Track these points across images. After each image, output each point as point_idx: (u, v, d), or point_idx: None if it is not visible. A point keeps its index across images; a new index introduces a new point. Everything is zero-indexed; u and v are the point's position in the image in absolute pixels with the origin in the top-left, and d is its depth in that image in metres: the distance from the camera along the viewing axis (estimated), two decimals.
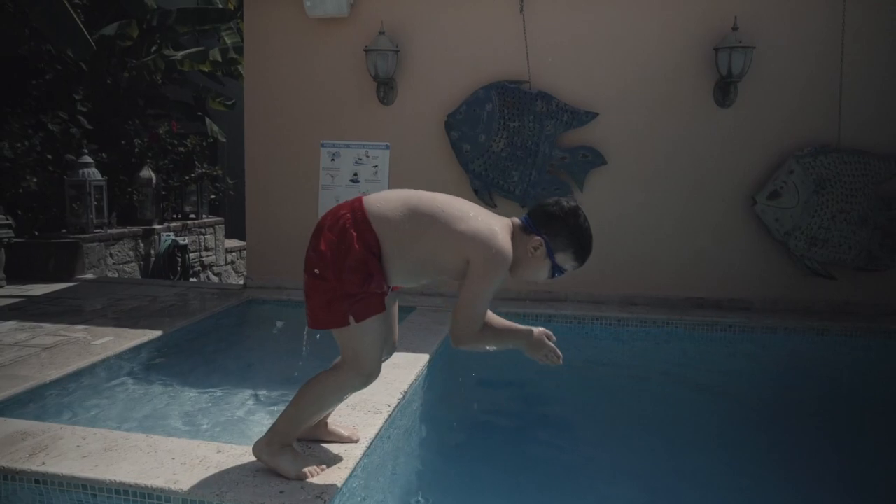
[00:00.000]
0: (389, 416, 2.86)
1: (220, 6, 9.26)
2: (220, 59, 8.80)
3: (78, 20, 6.01)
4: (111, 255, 6.40)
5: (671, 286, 5.13)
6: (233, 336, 4.52)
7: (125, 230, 6.71)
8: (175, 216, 8.06)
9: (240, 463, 2.31)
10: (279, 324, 4.57)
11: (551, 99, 4.97)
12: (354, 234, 2.01)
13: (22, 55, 6.72)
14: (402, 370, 3.33)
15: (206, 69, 8.98)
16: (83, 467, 2.26)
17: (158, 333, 4.11)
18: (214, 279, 8.16)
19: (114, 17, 8.29)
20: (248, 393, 3.42)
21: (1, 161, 5.92)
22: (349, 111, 5.42)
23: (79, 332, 4.11)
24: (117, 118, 7.43)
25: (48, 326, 4.19)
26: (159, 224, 7.29)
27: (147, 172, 7.20)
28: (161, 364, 3.79)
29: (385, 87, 5.27)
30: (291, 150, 5.55)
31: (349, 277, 1.99)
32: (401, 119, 5.35)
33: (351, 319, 2.03)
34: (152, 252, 6.99)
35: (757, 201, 4.86)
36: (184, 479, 2.18)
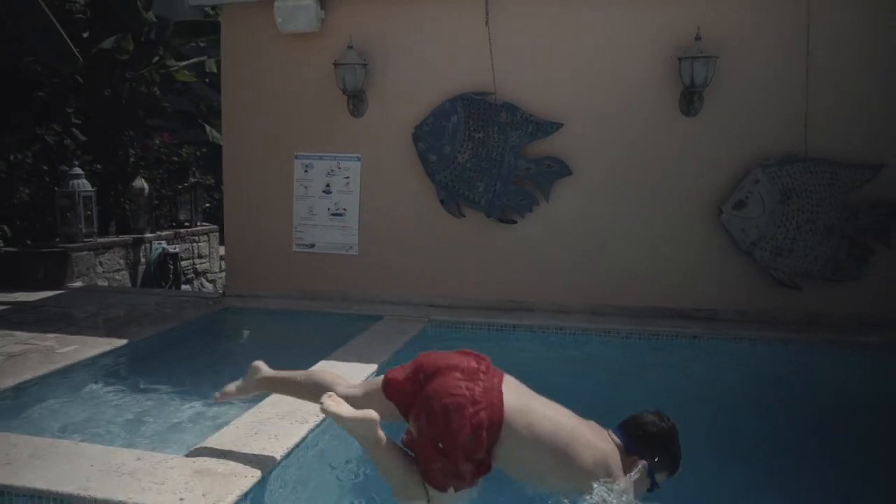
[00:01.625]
0: (317, 426, 2.93)
1: (217, 19, 9.49)
2: (216, 69, 9.01)
3: (63, 34, 6.23)
4: (101, 263, 6.61)
5: (638, 296, 5.12)
6: (197, 345, 4.64)
7: (115, 239, 6.93)
8: (171, 224, 8.27)
9: (154, 470, 2.41)
10: (245, 332, 4.69)
11: (516, 110, 5.02)
12: (485, 437, 2.14)
13: (18, 69, 6.98)
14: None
15: (193, 80, 9.19)
16: (4, 473, 2.38)
17: (124, 342, 4.26)
18: (208, 286, 8.35)
19: (114, 31, 8.56)
20: (196, 401, 3.53)
21: None
22: (322, 123, 5.53)
23: (49, 340, 4.27)
24: (114, 129, 7.66)
25: (20, 335, 4.36)
26: (151, 233, 7.49)
27: (140, 182, 7.41)
28: (119, 372, 3.92)
29: (355, 100, 5.37)
30: (267, 161, 5.68)
31: (466, 467, 2.17)
32: (371, 131, 5.44)
33: (451, 489, 2.22)
34: (143, 260, 7.19)
35: (723, 211, 4.84)
36: (95, 486, 2.28)
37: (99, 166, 7.24)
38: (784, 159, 4.75)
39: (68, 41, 6.24)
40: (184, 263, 7.75)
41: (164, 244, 7.37)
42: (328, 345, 4.09)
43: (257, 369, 2.73)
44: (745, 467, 3.12)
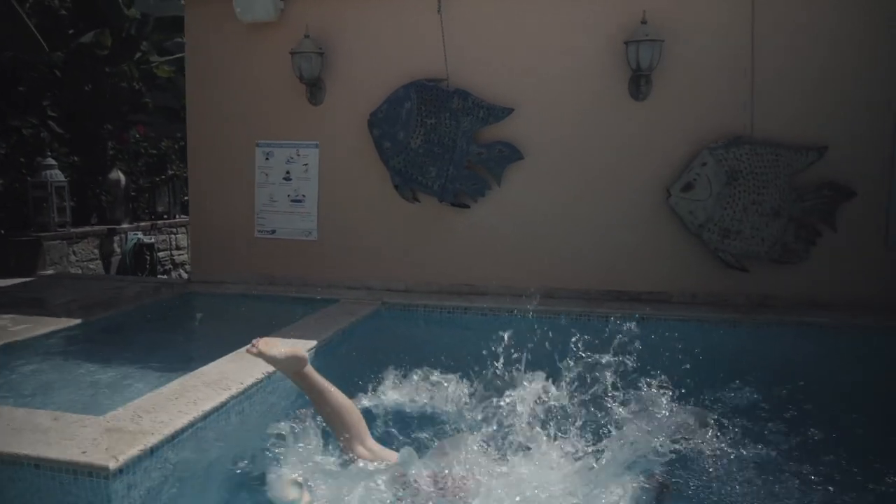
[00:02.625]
0: (240, 393, 3.02)
1: None
2: None
3: (30, 25, 6.34)
4: (74, 252, 6.73)
5: (590, 279, 5.18)
6: (149, 326, 4.73)
7: (89, 229, 7.05)
8: (150, 216, 8.40)
9: (67, 429, 2.50)
10: (200, 315, 4.78)
11: (468, 96, 5.09)
12: None
13: None
14: None
15: (173, 75, 9.30)
16: None
17: (77, 322, 4.36)
18: (186, 277, 8.47)
19: (96, 26, 8.70)
20: (137, 376, 3.62)
21: None
22: (282, 112, 5.63)
23: (5, 320, 4.38)
24: (92, 123, 7.80)
25: None
26: (129, 224, 7.62)
27: (116, 174, 7.54)
28: (65, 349, 4.02)
29: (313, 88, 5.46)
30: (230, 149, 5.78)
31: None
32: (329, 118, 5.53)
33: None
34: (117, 251, 7.31)
35: (671, 193, 4.89)
36: (9, 441, 2.38)
37: (76, 158, 7.38)
38: (731, 142, 4.80)
39: (35, 32, 6.36)
40: (161, 255, 7.87)
41: (139, 235, 7.50)
42: (278, 326, 4.17)
43: (299, 360, 2.69)
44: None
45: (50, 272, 6.37)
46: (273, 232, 5.71)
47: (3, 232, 6.55)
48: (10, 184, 6.54)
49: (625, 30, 4.88)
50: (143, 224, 7.89)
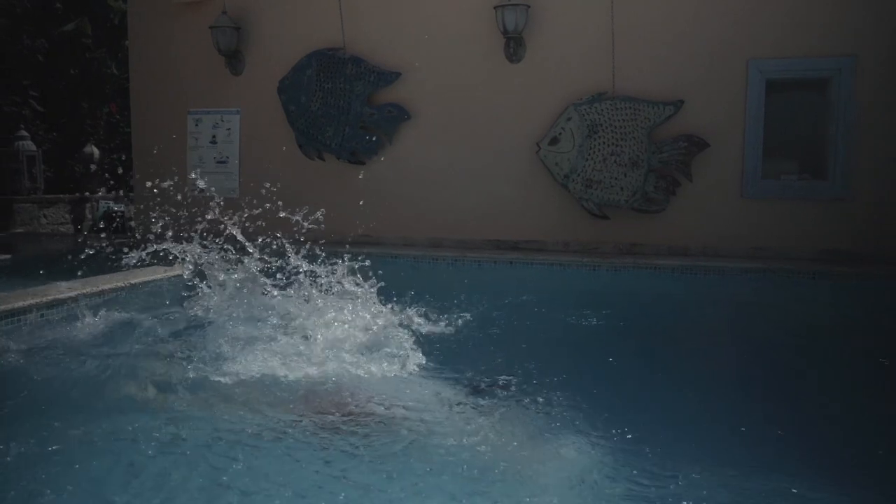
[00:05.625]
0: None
1: None
2: None
3: None
4: (45, 216, 7.53)
5: (474, 229, 5.61)
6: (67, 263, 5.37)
7: (60, 196, 7.85)
8: (128, 188, 9.17)
9: None
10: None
11: (361, 62, 5.59)
12: None
13: None
14: None
15: None
16: None
17: (7, 257, 5.07)
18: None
19: (82, 15, 9.56)
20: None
21: None
22: (208, 82, 6.24)
23: None
24: (70, 102, 8.62)
25: None
26: (105, 193, 8.39)
27: (90, 148, 8.33)
28: None
29: (232, 60, 6.06)
30: (166, 118, 6.43)
31: None
32: (249, 87, 6.11)
33: None
34: (89, 216, 8.10)
35: (540, 147, 5.28)
36: None
37: (55, 134, 8.20)
38: (594, 98, 5.16)
39: None
40: (133, 222, 8.63)
41: (110, 203, 8.26)
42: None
43: None
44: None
45: (20, 231, 7.16)
46: (203, 191, 6.34)
47: None
48: None
49: None
50: (118, 194, 8.65)
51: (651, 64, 5.12)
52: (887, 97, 4.80)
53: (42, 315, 3.38)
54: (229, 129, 6.20)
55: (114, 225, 8.25)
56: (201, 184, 4.18)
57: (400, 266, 5.33)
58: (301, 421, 2.35)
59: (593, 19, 5.18)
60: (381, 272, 3.78)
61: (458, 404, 2.56)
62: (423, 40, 5.59)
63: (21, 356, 2.94)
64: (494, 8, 5.20)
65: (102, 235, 8.16)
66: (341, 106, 5.66)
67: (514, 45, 5.30)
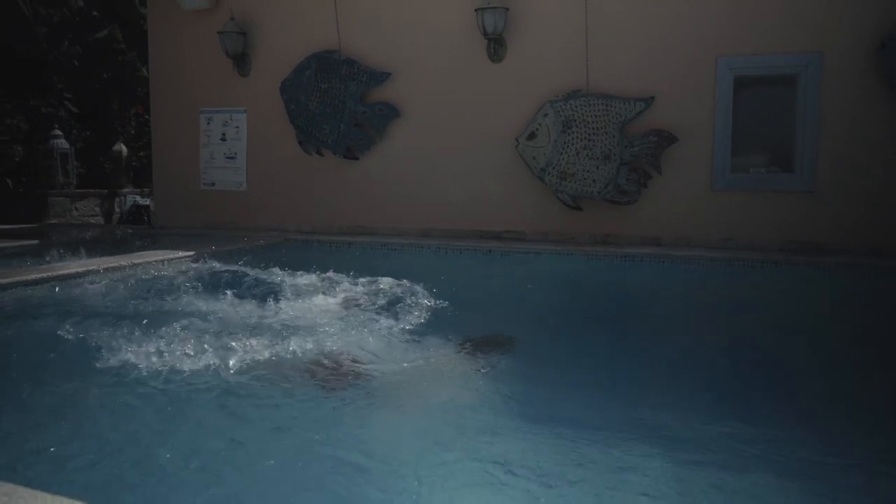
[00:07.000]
0: None
1: None
2: None
3: (28, 15, 7.77)
4: (76, 209, 8.19)
5: (460, 220, 5.95)
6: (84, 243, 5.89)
7: (91, 190, 8.50)
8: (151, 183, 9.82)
9: None
10: (139, 243, 5.93)
11: (354, 63, 5.99)
12: None
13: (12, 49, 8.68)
14: None
15: None
16: None
17: (34, 242, 5.65)
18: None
19: (114, 23, 10.27)
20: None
21: None
22: (220, 83, 6.74)
23: None
24: (102, 104, 9.30)
25: None
26: (130, 189, 9.04)
27: (119, 146, 8.97)
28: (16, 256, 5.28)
29: (240, 63, 6.54)
30: (181, 117, 6.96)
31: None
32: (255, 88, 6.59)
33: None
34: (118, 210, 8.74)
35: (519, 142, 5.58)
36: None
37: (88, 133, 8.87)
38: (569, 95, 5.43)
39: (32, 22, 7.76)
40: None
41: (137, 197, 8.89)
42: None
43: None
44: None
45: (54, 222, 7.82)
46: (213, 184, 6.85)
47: (21, 190, 8.08)
48: (29, 153, 8.05)
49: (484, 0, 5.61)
50: (146, 189, 9.29)
51: (623, 62, 5.36)
52: (852, 93, 4.94)
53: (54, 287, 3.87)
54: (237, 127, 6.69)
55: (143, 217, 8.89)
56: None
57: (389, 253, 5.72)
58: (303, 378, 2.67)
59: (570, 21, 5.46)
60: (372, 259, 4.16)
61: (442, 363, 2.90)
62: (409, 42, 5.95)
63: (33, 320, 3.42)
64: (475, 11, 5.53)
65: (124, 226, 8.80)
66: (337, 104, 6.07)
67: (494, 45, 5.62)
